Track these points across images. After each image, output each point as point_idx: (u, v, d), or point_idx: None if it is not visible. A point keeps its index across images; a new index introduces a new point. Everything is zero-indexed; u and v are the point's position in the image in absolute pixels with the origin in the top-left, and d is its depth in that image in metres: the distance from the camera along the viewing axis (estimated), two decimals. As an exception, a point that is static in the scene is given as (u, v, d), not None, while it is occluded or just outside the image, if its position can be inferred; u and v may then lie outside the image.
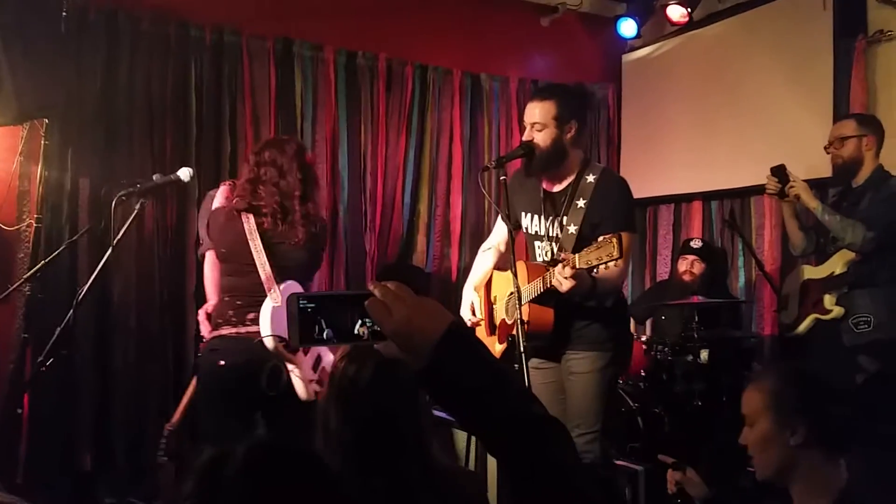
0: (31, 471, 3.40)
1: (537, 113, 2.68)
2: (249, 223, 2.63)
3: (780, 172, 3.23)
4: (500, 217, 2.98)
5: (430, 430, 1.56)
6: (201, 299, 3.82)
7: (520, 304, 2.44)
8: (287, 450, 0.88)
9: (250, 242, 2.61)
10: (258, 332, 2.54)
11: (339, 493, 0.89)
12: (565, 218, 2.69)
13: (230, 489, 0.80)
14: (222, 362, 2.56)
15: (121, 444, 3.64)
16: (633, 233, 2.74)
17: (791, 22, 4.27)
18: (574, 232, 2.64)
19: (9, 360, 3.41)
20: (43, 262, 3.15)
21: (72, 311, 2.59)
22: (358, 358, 1.51)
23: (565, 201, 2.71)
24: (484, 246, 3.04)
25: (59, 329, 2.58)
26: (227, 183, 3.01)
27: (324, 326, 1.01)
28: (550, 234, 2.74)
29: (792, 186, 3.17)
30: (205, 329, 2.76)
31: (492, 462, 2.92)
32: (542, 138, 2.67)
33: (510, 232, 2.62)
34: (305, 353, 2.62)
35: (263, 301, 2.57)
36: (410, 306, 0.96)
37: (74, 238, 3.32)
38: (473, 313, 2.86)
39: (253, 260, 2.60)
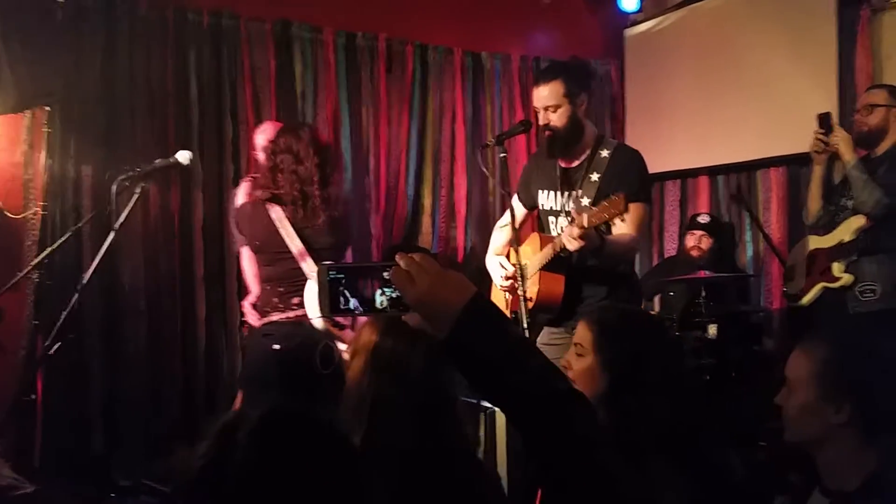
0: (47, 455, 3.45)
1: (547, 95, 2.70)
2: (276, 212, 2.68)
3: (825, 121, 3.20)
4: (516, 195, 3.02)
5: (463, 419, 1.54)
6: (212, 281, 3.90)
7: (523, 283, 2.44)
8: (300, 415, 0.89)
9: (280, 230, 2.67)
10: (305, 315, 2.63)
11: (349, 458, 0.90)
12: (579, 191, 2.71)
13: (242, 449, 0.82)
14: (276, 346, 2.63)
15: (133, 427, 3.68)
16: (646, 203, 2.73)
17: (794, -9, 4.22)
18: (587, 204, 2.65)
19: (20, 347, 3.45)
20: (49, 248, 3.17)
21: (76, 294, 2.60)
22: (403, 336, 1.45)
23: (581, 176, 2.73)
24: (500, 223, 3.06)
25: (64, 313, 2.59)
26: (248, 178, 3.12)
27: (350, 297, 1.05)
28: (566, 209, 2.76)
29: (835, 136, 3.15)
30: (253, 318, 2.88)
31: (501, 445, 2.95)
32: (557, 118, 2.69)
33: (511, 210, 2.63)
34: (352, 329, 2.70)
35: (304, 285, 2.64)
36: (434, 276, 0.96)
37: (80, 224, 3.34)
38: (505, 268, 2.83)
39: (285, 247, 2.67)
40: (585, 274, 2.64)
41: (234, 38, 4.04)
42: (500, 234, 3.01)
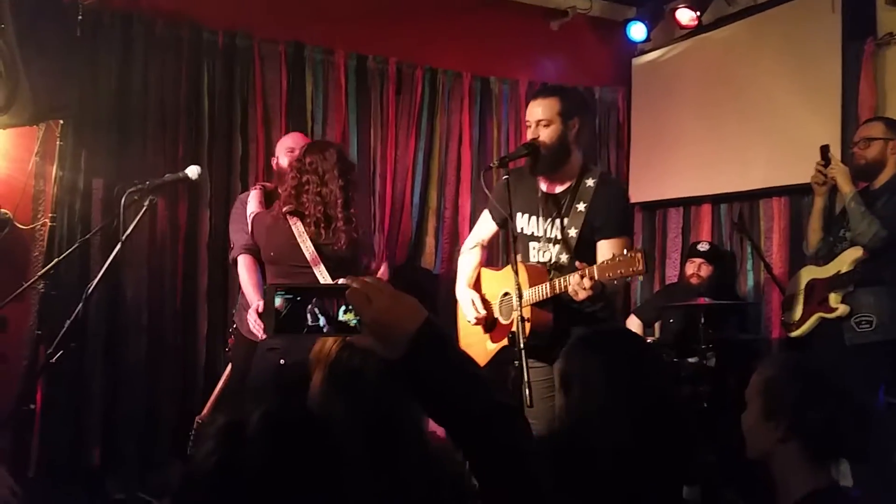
0: (43, 465, 3.47)
1: (541, 110, 2.70)
2: (298, 227, 2.71)
3: (824, 153, 3.26)
4: (484, 213, 3.02)
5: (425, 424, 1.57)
6: (215, 297, 3.92)
7: (520, 302, 2.45)
8: (298, 413, 0.92)
9: (301, 245, 2.70)
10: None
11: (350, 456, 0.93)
12: (566, 220, 2.69)
13: (253, 445, 0.83)
14: (283, 361, 2.61)
15: (130, 440, 3.70)
16: (631, 237, 2.77)
17: (799, 25, 4.26)
18: (575, 235, 2.67)
19: (23, 357, 3.48)
20: (56, 259, 3.21)
21: (81, 303, 2.64)
22: (359, 351, 1.47)
23: (566, 204, 2.71)
24: (467, 244, 3.05)
25: (68, 322, 2.63)
26: (258, 186, 3.11)
27: (302, 316, 1.05)
28: (549, 236, 2.74)
29: (833, 168, 3.19)
30: (258, 330, 2.78)
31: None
32: (547, 134, 2.67)
33: (512, 231, 2.62)
34: None
35: None
36: (390, 298, 1.01)
37: (87, 236, 3.38)
38: (477, 310, 2.85)
39: (302, 262, 2.69)
40: (571, 311, 2.62)
41: (248, 57, 4.13)
42: (470, 256, 2.99)
